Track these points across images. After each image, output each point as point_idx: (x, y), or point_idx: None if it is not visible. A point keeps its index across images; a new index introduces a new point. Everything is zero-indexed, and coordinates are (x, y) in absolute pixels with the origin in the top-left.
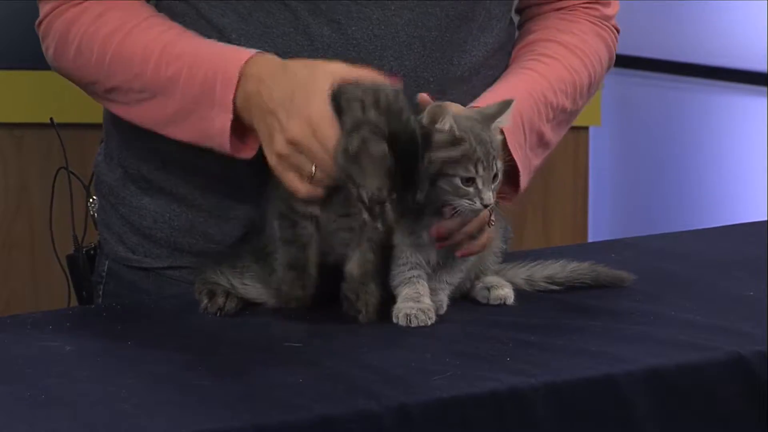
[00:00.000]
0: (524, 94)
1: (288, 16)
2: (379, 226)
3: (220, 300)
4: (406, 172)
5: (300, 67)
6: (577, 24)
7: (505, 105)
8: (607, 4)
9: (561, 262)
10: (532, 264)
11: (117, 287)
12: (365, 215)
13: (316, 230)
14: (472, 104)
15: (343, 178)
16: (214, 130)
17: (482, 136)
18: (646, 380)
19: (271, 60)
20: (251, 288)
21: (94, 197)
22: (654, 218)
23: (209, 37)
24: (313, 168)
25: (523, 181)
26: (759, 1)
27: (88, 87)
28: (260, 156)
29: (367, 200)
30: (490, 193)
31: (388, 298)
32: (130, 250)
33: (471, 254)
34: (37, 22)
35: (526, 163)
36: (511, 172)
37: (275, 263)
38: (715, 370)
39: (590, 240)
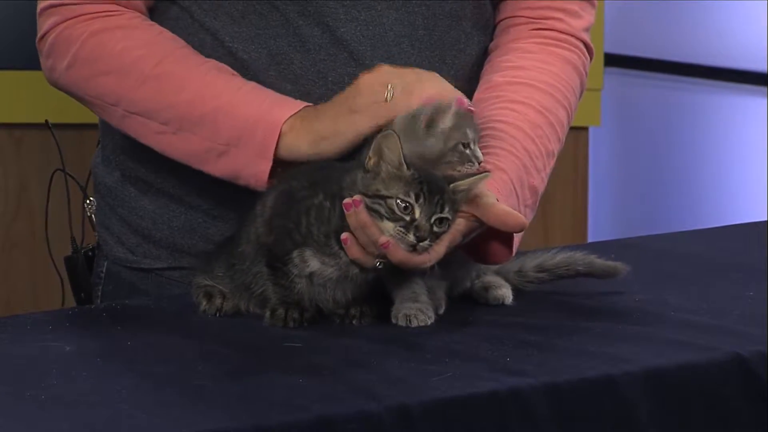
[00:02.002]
0: (505, 154)
1: (279, 18)
2: (412, 238)
3: (218, 301)
4: (432, 187)
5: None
6: (545, 54)
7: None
8: (579, 17)
9: (552, 251)
10: (523, 257)
11: (116, 288)
12: (396, 231)
13: (309, 282)
14: None
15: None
16: (247, 172)
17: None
18: (646, 380)
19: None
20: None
21: (91, 198)
22: (654, 218)
23: (203, 39)
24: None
25: (517, 241)
26: (759, 1)
27: (105, 108)
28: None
29: (397, 209)
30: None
31: (388, 299)
32: (130, 251)
33: None
34: (39, 36)
35: None
36: (505, 235)
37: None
38: (715, 370)
39: (590, 240)
